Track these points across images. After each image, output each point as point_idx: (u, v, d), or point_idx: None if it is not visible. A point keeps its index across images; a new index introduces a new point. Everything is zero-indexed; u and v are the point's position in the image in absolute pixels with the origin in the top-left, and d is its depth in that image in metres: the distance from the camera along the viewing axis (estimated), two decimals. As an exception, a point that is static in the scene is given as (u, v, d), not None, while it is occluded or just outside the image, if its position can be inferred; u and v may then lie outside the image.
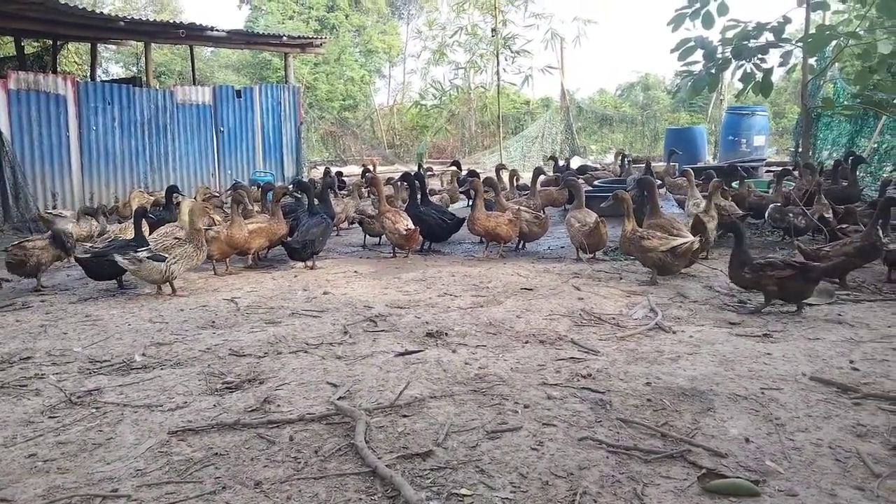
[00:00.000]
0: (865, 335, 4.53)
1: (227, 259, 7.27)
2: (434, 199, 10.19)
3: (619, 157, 14.44)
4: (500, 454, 2.93)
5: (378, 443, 3.06)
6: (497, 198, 8.33)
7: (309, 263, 7.43)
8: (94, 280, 6.69)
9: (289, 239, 7.42)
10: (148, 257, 6.02)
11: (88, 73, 18.82)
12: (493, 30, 24.62)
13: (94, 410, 3.54)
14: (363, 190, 11.07)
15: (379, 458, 2.87)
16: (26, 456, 3.03)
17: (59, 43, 18.07)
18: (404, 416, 3.35)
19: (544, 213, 8.81)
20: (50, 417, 3.47)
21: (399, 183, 9.96)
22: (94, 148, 13.46)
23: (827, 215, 8.00)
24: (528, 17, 25.15)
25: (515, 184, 10.85)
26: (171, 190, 9.09)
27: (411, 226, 7.77)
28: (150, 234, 6.94)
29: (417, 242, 8.08)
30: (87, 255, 6.40)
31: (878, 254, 5.94)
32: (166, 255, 6.09)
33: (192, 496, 2.66)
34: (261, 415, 3.42)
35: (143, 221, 6.91)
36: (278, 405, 3.54)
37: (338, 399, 3.56)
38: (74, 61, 22.02)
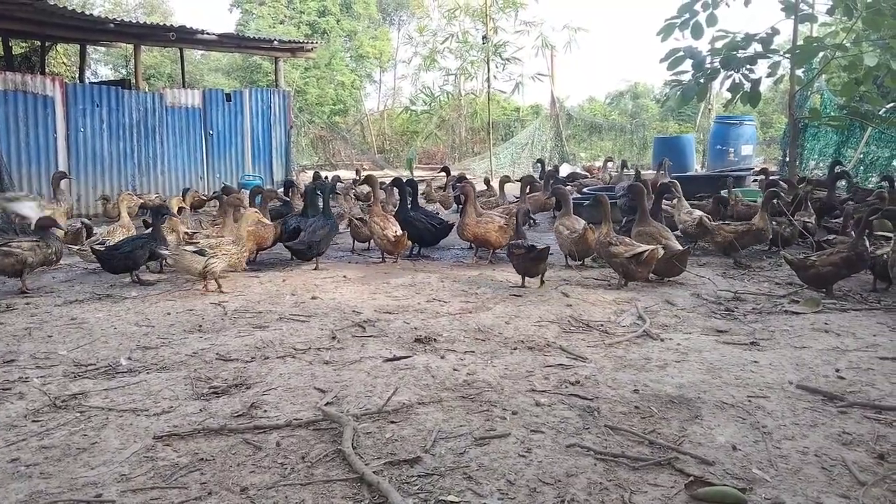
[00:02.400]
0: (851, 344, 4.56)
1: None
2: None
3: (605, 164, 14.54)
4: (487, 461, 2.92)
5: (365, 449, 3.05)
6: (473, 203, 8.23)
7: (313, 265, 7.50)
8: (111, 273, 7.00)
9: (295, 240, 7.50)
10: (194, 251, 6.27)
11: (77, 75, 18.71)
12: (484, 37, 24.68)
13: (78, 414, 3.50)
14: (351, 194, 11.09)
15: (366, 465, 2.86)
16: (9, 460, 2.99)
17: (47, 44, 17.96)
18: (392, 422, 3.34)
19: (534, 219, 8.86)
20: (33, 421, 3.43)
21: (389, 188, 9.97)
22: (81, 150, 13.37)
23: (808, 222, 8.06)
24: (518, 25, 25.24)
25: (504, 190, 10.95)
26: (225, 190, 9.29)
27: (399, 231, 7.78)
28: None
29: (405, 248, 8.09)
30: (103, 249, 6.79)
31: (865, 264, 5.98)
32: (209, 250, 6.32)
33: (177, 502, 2.64)
34: (247, 420, 3.40)
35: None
36: (265, 410, 3.52)
37: (325, 405, 3.54)
38: (63, 62, 21.89)
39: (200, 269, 6.26)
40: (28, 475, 2.87)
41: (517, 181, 11.00)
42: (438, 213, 9.82)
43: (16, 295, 6.43)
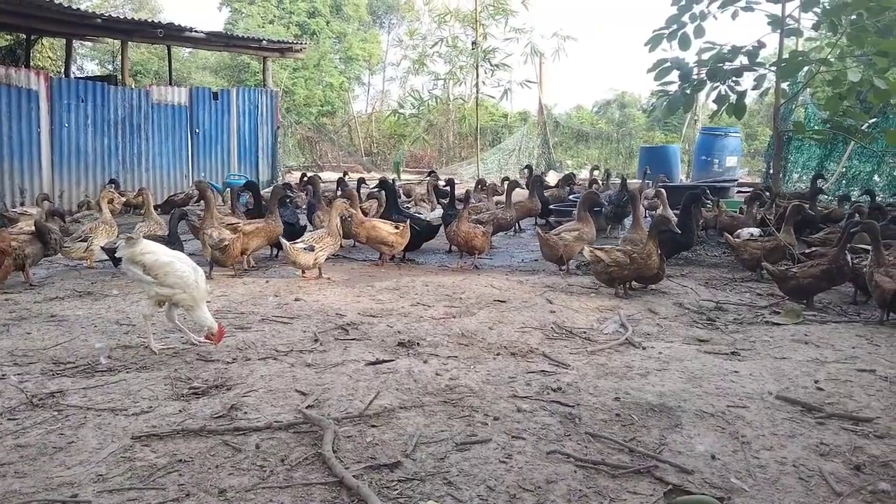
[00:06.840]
0: (830, 356, 4.61)
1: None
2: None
3: (592, 172, 14.66)
4: (468, 466, 2.92)
5: (346, 453, 3.04)
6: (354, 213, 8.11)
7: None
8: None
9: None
10: (304, 248, 6.87)
11: (62, 70, 18.54)
12: (474, 42, 24.74)
13: (55, 413, 3.46)
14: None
15: (346, 469, 2.85)
16: (-17, 458, 2.95)
17: (32, 37, 17.77)
18: (373, 426, 3.33)
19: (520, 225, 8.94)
20: (9, 419, 3.38)
21: (378, 191, 9.99)
22: (65, 145, 13.24)
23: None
24: (508, 31, 25.33)
25: (488, 196, 11.09)
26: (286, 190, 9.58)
27: None
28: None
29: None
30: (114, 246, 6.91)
31: (845, 277, 6.04)
32: (316, 245, 6.93)
33: (154, 503, 2.61)
34: (227, 422, 3.37)
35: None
36: (245, 412, 3.50)
37: (306, 407, 3.52)
38: (49, 56, 21.64)
39: (312, 263, 6.92)
40: (2, 474, 2.82)
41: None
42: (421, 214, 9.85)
43: (23, 288, 6.35)
